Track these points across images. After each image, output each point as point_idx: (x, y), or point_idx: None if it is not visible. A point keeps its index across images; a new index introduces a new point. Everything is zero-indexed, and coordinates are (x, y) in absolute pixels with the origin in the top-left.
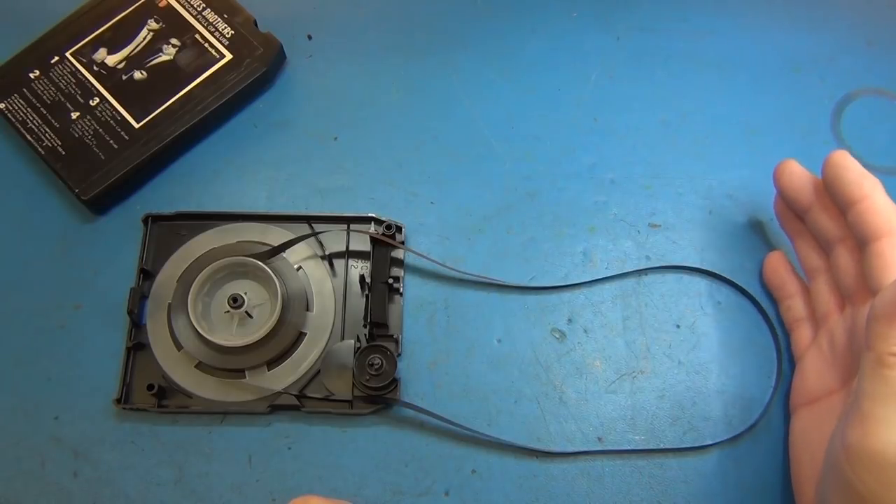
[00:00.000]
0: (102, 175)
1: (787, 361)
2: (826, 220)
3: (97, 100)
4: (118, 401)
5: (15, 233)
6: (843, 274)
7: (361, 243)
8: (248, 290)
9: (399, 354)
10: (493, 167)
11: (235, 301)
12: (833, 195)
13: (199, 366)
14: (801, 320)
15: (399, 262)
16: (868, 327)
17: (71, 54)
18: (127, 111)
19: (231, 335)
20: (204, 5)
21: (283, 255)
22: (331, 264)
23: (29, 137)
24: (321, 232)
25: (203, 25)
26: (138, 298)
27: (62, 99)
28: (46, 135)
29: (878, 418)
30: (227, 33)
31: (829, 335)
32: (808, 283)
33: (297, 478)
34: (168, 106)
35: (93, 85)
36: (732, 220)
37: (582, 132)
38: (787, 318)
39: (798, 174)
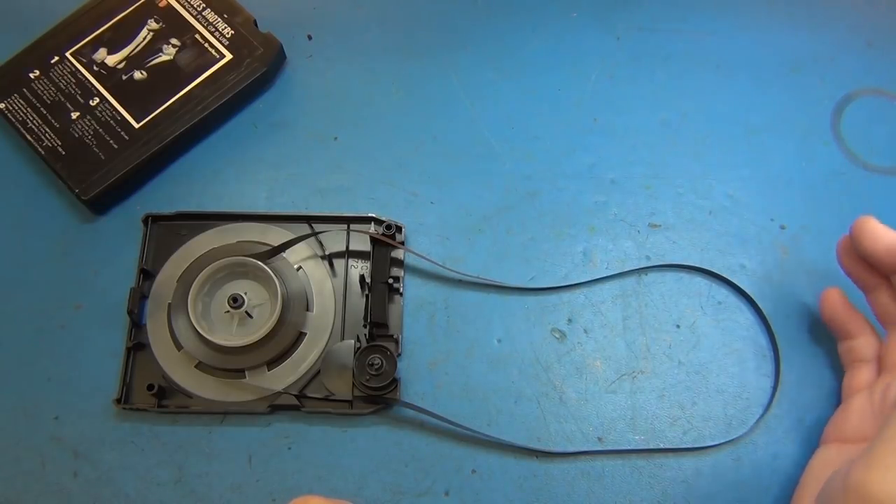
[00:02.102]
0: (102, 175)
1: (785, 362)
2: None
3: (97, 100)
4: (118, 401)
5: (15, 233)
6: None
7: (361, 243)
8: (248, 290)
9: (399, 354)
10: (493, 167)
11: (235, 301)
12: None
13: (199, 366)
14: (863, 361)
15: (399, 262)
16: None
17: (71, 54)
18: (127, 111)
19: (231, 335)
20: (204, 5)
21: (283, 255)
22: (331, 264)
23: (29, 137)
24: (321, 232)
25: (203, 25)
26: (138, 298)
27: (62, 99)
28: (46, 135)
29: (887, 466)
30: (227, 33)
31: (885, 386)
32: (885, 333)
33: (297, 478)
34: (168, 106)
35: (93, 85)
36: (732, 220)
37: (582, 132)
38: (847, 357)
39: (884, 239)
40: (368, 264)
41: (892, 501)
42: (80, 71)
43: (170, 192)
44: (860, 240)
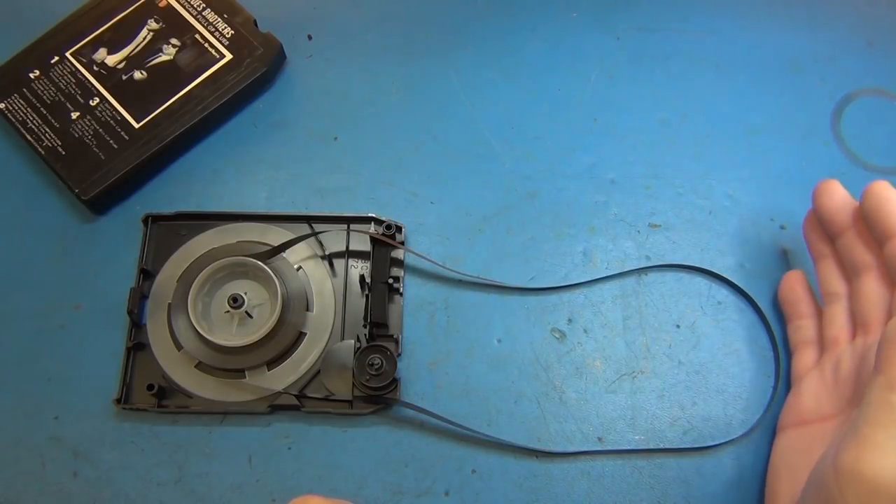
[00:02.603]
0: (102, 175)
1: (785, 361)
2: (859, 247)
3: (97, 100)
4: (118, 401)
5: (15, 233)
6: (865, 301)
7: (361, 243)
8: (248, 290)
9: (399, 354)
10: (493, 167)
11: (235, 301)
12: (871, 225)
13: (199, 366)
14: (807, 343)
15: (399, 262)
16: (880, 350)
17: (71, 54)
18: (127, 111)
19: (231, 335)
20: (204, 5)
21: (283, 255)
22: (331, 264)
23: (29, 137)
24: (321, 232)
25: (203, 25)
26: (138, 298)
27: (62, 99)
28: (46, 135)
29: (876, 443)
30: (227, 33)
31: (834, 361)
32: (822, 306)
33: (297, 478)
34: (168, 106)
35: (93, 85)
36: (732, 220)
37: (582, 132)
38: (794, 339)
39: (839, 196)
40: (368, 264)
41: (885, 479)
42: (80, 71)
43: (170, 192)
44: (818, 196)
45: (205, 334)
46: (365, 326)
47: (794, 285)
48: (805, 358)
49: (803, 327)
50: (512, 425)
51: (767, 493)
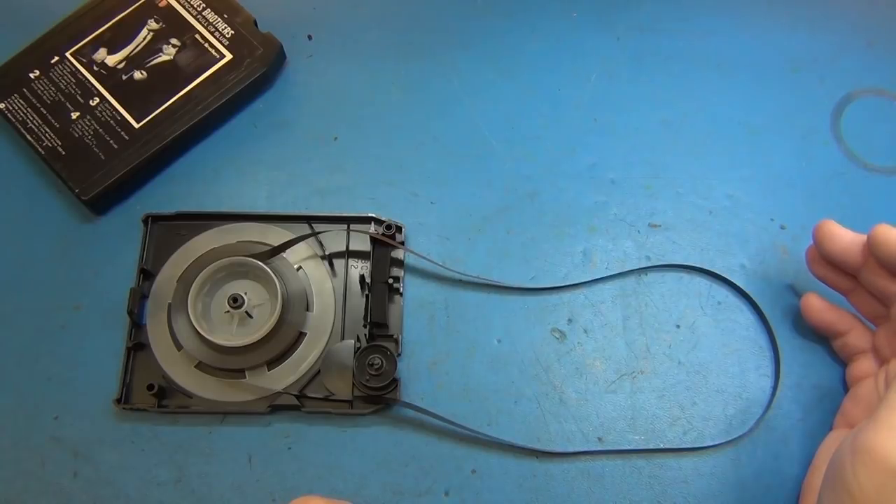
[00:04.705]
0: (102, 175)
1: (785, 362)
2: (883, 281)
3: (97, 100)
4: (118, 401)
5: (15, 233)
6: None
7: (361, 243)
8: (248, 290)
9: (399, 354)
10: (493, 167)
11: (235, 301)
12: (891, 266)
13: (199, 366)
14: (861, 353)
15: (399, 262)
16: None
17: (71, 54)
18: (127, 111)
19: (231, 335)
20: (204, 5)
21: (283, 255)
22: (331, 264)
23: (29, 137)
24: (321, 232)
25: (203, 25)
26: (138, 298)
27: (62, 99)
28: (46, 135)
29: (892, 425)
30: (227, 33)
31: (887, 374)
32: (874, 327)
33: (297, 478)
34: (168, 106)
35: (93, 85)
36: (732, 220)
37: (582, 132)
38: (844, 353)
39: (840, 237)
40: (368, 264)
41: None
42: (80, 71)
43: (170, 192)
44: (821, 243)
45: (205, 334)
46: (365, 326)
47: (817, 311)
48: (863, 366)
49: (850, 342)
50: (512, 425)
51: (804, 485)
